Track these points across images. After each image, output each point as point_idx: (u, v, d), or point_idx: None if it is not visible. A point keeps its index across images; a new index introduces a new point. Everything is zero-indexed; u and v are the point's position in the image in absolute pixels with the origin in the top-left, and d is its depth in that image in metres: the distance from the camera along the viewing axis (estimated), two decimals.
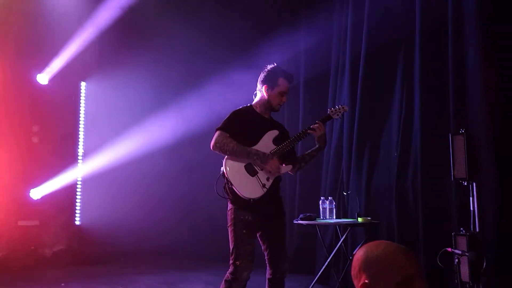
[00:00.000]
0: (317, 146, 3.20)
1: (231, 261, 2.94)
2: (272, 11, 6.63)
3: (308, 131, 3.12)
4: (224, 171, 3.02)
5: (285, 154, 3.14)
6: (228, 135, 3.03)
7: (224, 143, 3.00)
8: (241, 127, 3.07)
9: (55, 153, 6.67)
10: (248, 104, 3.24)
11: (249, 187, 2.98)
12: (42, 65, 6.63)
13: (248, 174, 3.01)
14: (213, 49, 6.84)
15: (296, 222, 4.84)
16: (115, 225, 6.57)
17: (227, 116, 3.12)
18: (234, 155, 3.01)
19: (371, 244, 1.41)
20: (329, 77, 5.72)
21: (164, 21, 6.82)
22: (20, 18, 6.35)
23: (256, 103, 3.21)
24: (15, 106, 6.41)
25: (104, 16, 6.57)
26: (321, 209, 4.85)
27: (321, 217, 4.81)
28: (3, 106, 6.29)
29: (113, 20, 6.61)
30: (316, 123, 3.13)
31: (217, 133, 3.06)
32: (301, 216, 4.77)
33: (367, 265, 1.35)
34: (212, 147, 3.04)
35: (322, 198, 4.95)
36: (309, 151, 3.25)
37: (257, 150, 3.02)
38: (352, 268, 1.41)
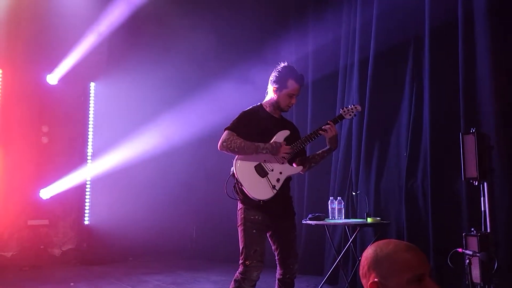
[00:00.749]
0: (328, 147, 3.18)
1: (240, 261, 2.93)
2: (281, 12, 6.62)
3: (320, 131, 3.09)
4: (234, 171, 3.00)
5: (295, 153, 3.12)
6: (236, 134, 3.01)
7: (231, 141, 2.98)
8: (250, 127, 3.05)
9: (65, 153, 6.71)
10: (258, 103, 3.22)
11: (259, 188, 2.96)
12: (51, 66, 6.67)
13: (258, 175, 2.99)
14: (221, 49, 6.85)
15: (304, 222, 4.84)
16: (124, 225, 6.60)
17: (236, 117, 3.11)
18: (242, 152, 2.98)
19: (380, 242, 1.40)
20: (337, 77, 5.70)
21: (172, 21, 6.83)
22: (29, 20, 6.40)
23: (266, 102, 3.19)
24: (25, 107, 6.46)
25: (113, 17, 6.60)
26: (330, 209, 4.84)
27: (330, 217, 4.80)
28: (13, 107, 6.35)
29: (122, 20, 6.63)
30: (327, 124, 3.10)
31: (225, 133, 3.04)
32: (309, 216, 4.77)
33: (377, 264, 1.33)
34: (219, 146, 3.02)
35: (331, 198, 4.94)
36: (320, 151, 3.23)
37: (265, 144, 2.99)
38: (361, 267, 1.40)
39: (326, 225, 4.81)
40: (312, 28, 6.09)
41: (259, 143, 2.99)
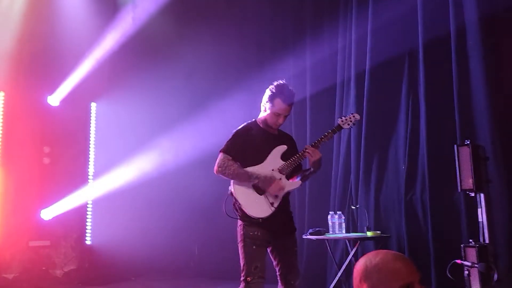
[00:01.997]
0: (311, 169, 3.15)
1: (242, 278, 2.93)
2: (278, 29, 6.72)
3: (305, 153, 3.06)
4: (232, 190, 3.03)
5: (294, 168, 3.11)
6: (230, 157, 3.03)
7: (226, 167, 3.00)
8: (245, 147, 3.06)
9: (66, 173, 6.73)
10: (253, 119, 3.22)
11: (257, 206, 2.97)
12: (53, 87, 6.74)
13: (255, 193, 3.00)
14: (221, 68, 6.90)
15: (305, 237, 4.85)
16: (125, 244, 6.58)
17: (230, 137, 3.11)
18: (236, 179, 3.01)
19: (369, 254, 1.45)
20: (335, 91, 5.77)
21: (173, 41, 6.92)
22: (31, 42, 6.48)
23: (260, 118, 3.20)
24: (27, 128, 6.51)
25: (113, 38, 6.70)
26: (330, 223, 4.86)
27: (331, 232, 4.82)
28: (15, 128, 6.40)
29: (123, 41, 6.72)
30: (309, 148, 3.04)
31: (220, 156, 3.06)
32: (310, 231, 4.78)
33: (367, 275, 1.38)
34: (215, 171, 3.05)
35: (331, 212, 4.96)
36: (304, 172, 3.21)
37: (258, 174, 2.99)
38: (354, 279, 1.45)
39: (327, 239, 4.82)
40: (310, 44, 6.16)
41: (252, 172, 2.99)
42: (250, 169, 3.02)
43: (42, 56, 6.60)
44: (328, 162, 5.54)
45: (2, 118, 6.33)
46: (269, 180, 2.99)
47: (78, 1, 6.76)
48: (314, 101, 6.04)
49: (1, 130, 6.30)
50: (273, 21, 6.80)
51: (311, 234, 4.72)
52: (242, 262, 2.96)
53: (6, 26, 6.28)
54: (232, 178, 3.03)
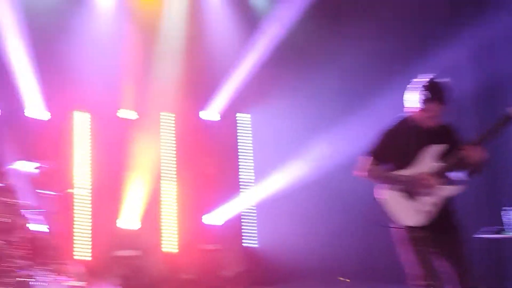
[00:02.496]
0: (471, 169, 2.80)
1: (419, 284, 2.77)
2: (430, 22, 6.38)
3: (463, 154, 2.70)
4: (379, 196, 2.89)
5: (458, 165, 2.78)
6: (373, 160, 2.90)
7: (369, 170, 2.90)
8: (392, 149, 2.89)
9: (230, 181, 7.36)
10: (405, 114, 2.96)
11: (409, 214, 2.79)
12: (209, 103, 7.37)
13: (407, 199, 2.80)
14: (374, 66, 6.73)
15: (477, 236, 4.48)
16: (290, 246, 6.86)
17: (377, 138, 2.95)
18: (380, 182, 2.89)
19: None
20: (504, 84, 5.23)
21: (321, 43, 6.98)
22: (190, 64, 7.17)
23: (411, 115, 2.92)
24: (192, 143, 7.26)
25: (261, 47, 7.03)
26: (505, 220, 4.42)
27: (507, 230, 4.38)
28: (184, 144, 7.21)
29: (270, 49, 7.02)
30: (467, 147, 2.69)
31: (364, 158, 2.94)
32: (484, 229, 4.42)
33: None
34: (357, 172, 2.96)
35: (506, 207, 4.51)
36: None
37: (401, 175, 2.81)
38: None
39: (506, 239, 4.39)
40: (467, 33, 5.71)
41: (397, 175, 2.83)
42: (398, 172, 2.86)
43: (199, 76, 7.28)
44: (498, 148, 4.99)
45: (175, 137, 7.17)
46: (413, 181, 2.77)
47: (222, 18, 7.29)
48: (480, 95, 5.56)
49: (175, 148, 7.16)
50: (418, 16, 6.47)
51: (486, 232, 4.35)
52: (413, 267, 2.81)
53: (173, 56, 7.08)
54: (374, 182, 2.92)
